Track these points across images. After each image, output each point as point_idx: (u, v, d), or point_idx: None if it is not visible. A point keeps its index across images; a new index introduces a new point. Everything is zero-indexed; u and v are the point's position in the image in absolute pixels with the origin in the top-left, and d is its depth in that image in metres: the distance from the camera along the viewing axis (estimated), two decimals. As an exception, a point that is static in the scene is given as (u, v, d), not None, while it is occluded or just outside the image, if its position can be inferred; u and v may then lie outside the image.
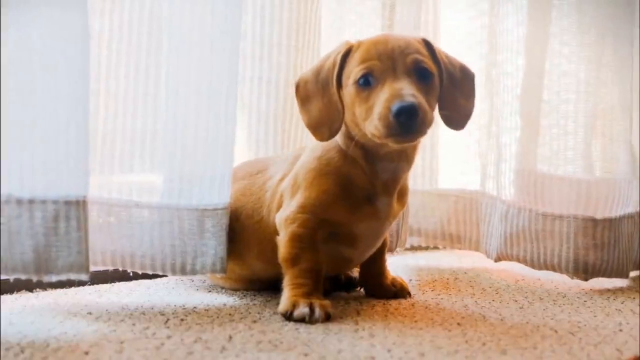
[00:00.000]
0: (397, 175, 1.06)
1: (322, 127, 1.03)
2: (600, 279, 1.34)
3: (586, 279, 1.32)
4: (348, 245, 1.08)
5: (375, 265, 1.17)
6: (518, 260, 1.37)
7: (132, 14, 1.07)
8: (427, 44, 1.04)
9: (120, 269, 1.09)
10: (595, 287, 1.32)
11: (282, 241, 1.04)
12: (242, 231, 1.12)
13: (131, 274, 1.15)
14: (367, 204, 1.04)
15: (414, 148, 1.06)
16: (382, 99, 0.95)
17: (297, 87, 1.06)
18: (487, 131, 1.48)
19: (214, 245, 1.08)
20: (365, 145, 1.03)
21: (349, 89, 1.00)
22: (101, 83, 1.07)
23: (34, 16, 0.91)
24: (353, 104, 1.00)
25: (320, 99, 1.03)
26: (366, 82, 0.98)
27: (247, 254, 1.12)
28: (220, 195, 1.09)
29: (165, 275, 1.21)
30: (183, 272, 1.08)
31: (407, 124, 0.93)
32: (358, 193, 1.04)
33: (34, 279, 0.92)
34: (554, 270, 1.34)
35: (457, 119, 1.06)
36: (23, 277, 0.92)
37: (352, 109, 1.00)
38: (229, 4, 1.07)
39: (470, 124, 1.50)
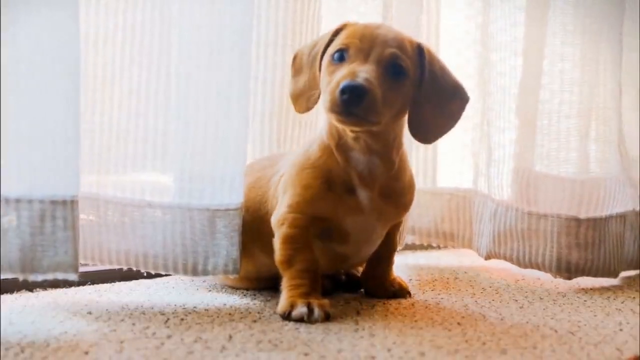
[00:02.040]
0: (373, 171, 1.04)
1: (301, 98, 1.06)
2: (597, 278, 1.34)
3: (569, 278, 1.32)
4: (340, 242, 1.07)
5: (380, 267, 1.17)
6: (505, 259, 1.37)
7: (144, 14, 1.07)
8: (419, 48, 1.03)
9: (134, 268, 1.09)
10: (595, 286, 1.32)
11: (277, 243, 1.04)
12: (249, 224, 1.11)
13: (144, 273, 1.14)
14: (348, 196, 1.04)
15: (385, 145, 1.04)
16: (339, 75, 0.95)
17: (294, 59, 1.09)
18: (480, 130, 1.48)
19: (225, 246, 1.08)
20: (336, 131, 1.03)
21: (324, 61, 1.02)
22: (115, 84, 1.07)
23: (23, 15, 0.91)
24: (323, 77, 1.01)
25: (307, 72, 1.05)
26: (340, 58, 0.99)
27: (252, 246, 1.12)
28: (231, 196, 1.08)
29: (168, 275, 1.20)
30: (195, 272, 1.08)
31: (349, 103, 0.92)
32: (338, 184, 1.04)
33: (20, 278, 0.92)
34: (538, 269, 1.34)
35: (424, 132, 1.05)
36: (9, 276, 0.92)
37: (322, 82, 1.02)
38: (237, 2, 1.06)
39: (465, 123, 1.51)
